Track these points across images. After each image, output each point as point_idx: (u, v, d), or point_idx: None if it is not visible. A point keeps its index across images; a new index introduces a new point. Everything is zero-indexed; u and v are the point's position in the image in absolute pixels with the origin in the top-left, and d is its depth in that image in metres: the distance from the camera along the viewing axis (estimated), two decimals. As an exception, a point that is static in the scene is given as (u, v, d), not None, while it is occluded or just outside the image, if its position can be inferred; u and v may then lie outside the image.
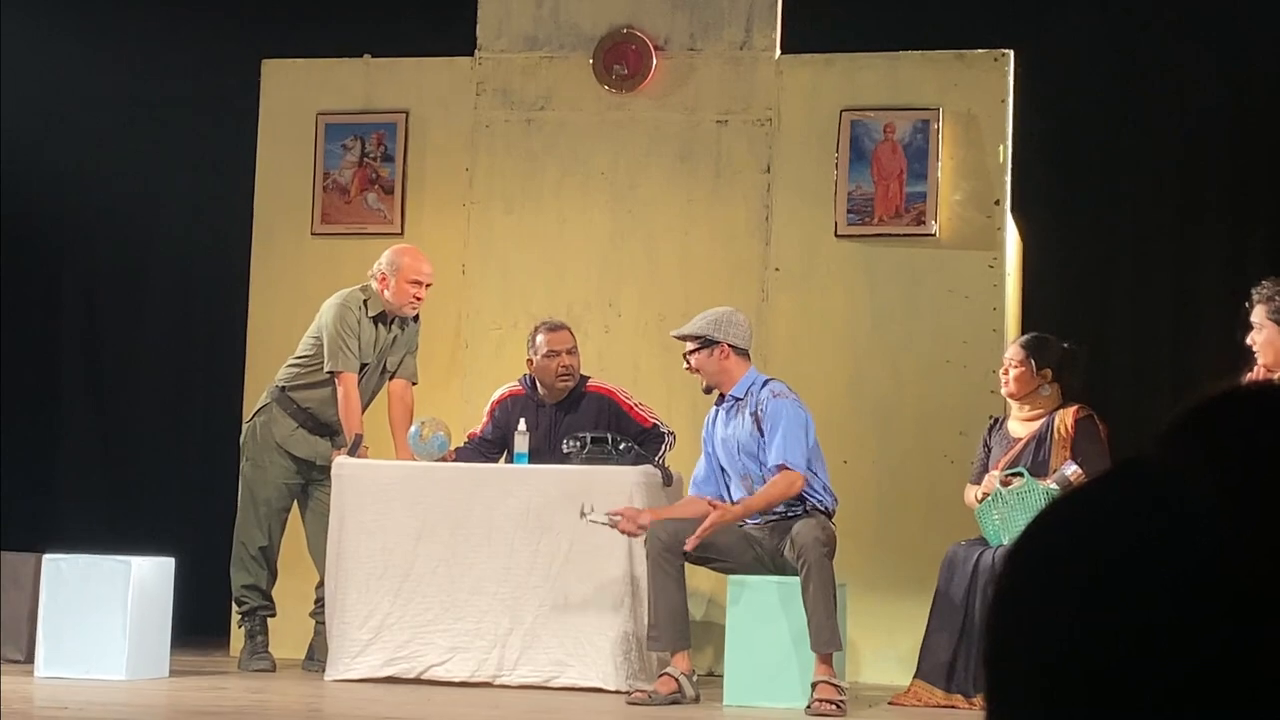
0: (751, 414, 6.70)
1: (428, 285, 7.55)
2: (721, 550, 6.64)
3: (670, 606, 6.49)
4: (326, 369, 7.43)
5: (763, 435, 6.65)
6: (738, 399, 6.76)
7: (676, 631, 6.52)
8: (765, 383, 6.78)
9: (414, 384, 7.67)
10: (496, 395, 7.53)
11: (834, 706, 6.23)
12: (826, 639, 6.35)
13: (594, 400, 7.38)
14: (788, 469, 6.53)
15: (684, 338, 6.83)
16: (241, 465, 7.68)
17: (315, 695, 6.65)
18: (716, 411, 6.86)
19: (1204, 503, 0.74)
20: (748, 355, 6.84)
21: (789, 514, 6.64)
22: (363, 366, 7.49)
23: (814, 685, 6.31)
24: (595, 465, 6.96)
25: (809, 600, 6.36)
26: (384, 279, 7.50)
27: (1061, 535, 0.78)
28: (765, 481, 6.61)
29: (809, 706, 6.25)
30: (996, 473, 6.81)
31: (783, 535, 6.58)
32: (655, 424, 7.32)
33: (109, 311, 9.74)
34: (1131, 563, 0.75)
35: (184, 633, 7.38)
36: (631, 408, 7.37)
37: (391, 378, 7.63)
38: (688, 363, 6.81)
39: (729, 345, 6.73)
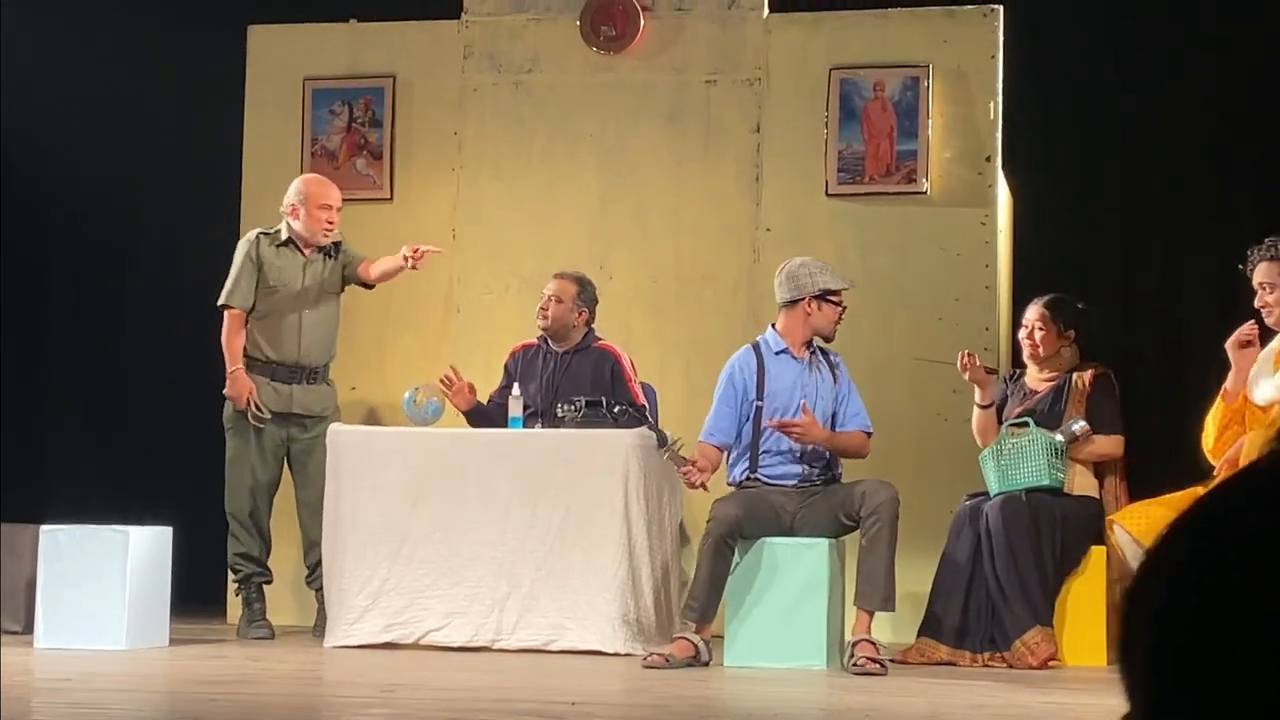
0: (829, 369, 6.87)
1: (338, 209, 7.63)
2: (760, 521, 6.68)
3: (715, 584, 6.55)
4: (219, 302, 7.59)
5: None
6: (818, 351, 6.90)
7: (712, 607, 6.59)
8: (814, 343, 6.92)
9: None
10: (512, 349, 7.61)
11: (879, 665, 6.28)
12: (884, 597, 6.46)
13: (598, 355, 7.43)
14: (869, 436, 6.82)
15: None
16: (226, 436, 7.70)
17: (315, 662, 6.66)
18: (763, 357, 6.85)
19: None
20: None
21: (819, 480, 6.74)
22: (300, 293, 7.59)
23: (855, 644, 6.38)
24: (590, 429, 6.96)
25: (873, 557, 6.46)
26: (294, 210, 7.65)
27: (1216, 542, 0.77)
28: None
29: (856, 664, 6.28)
30: (1004, 429, 6.88)
31: (807, 498, 6.70)
32: (644, 406, 7.33)
33: (98, 282, 9.70)
34: None
35: (182, 601, 7.37)
36: (631, 379, 7.39)
37: (344, 283, 7.69)
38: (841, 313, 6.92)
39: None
